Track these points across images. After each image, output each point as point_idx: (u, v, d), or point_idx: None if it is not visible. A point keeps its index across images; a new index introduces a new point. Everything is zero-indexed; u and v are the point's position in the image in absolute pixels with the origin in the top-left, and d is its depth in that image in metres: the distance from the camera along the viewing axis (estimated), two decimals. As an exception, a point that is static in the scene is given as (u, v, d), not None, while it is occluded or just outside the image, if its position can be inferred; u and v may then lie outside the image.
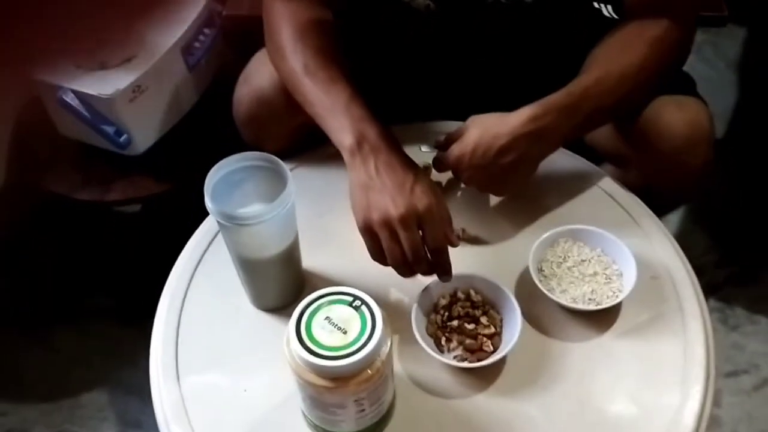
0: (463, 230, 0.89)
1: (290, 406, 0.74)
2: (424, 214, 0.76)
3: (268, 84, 0.94)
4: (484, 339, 0.78)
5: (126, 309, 1.41)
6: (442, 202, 0.79)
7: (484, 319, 0.79)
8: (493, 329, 0.79)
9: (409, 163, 0.81)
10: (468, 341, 0.78)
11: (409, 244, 0.76)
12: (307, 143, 0.99)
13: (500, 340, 0.78)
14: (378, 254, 0.79)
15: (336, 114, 0.82)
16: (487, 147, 0.82)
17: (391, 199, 0.76)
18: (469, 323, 0.79)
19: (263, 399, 0.77)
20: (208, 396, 0.78)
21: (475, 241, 0.89)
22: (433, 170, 0.90)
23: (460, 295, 0.82)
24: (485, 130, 0.83)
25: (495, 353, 0.76)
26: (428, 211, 0.76)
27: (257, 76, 0.96)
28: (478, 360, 0.76)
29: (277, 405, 0.76)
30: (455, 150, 0.85)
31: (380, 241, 0.77)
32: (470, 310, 0.80)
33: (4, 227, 1.38)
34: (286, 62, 0.89)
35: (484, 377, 0.77)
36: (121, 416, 1.26)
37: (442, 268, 0.79)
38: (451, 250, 0.79)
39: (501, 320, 0.80)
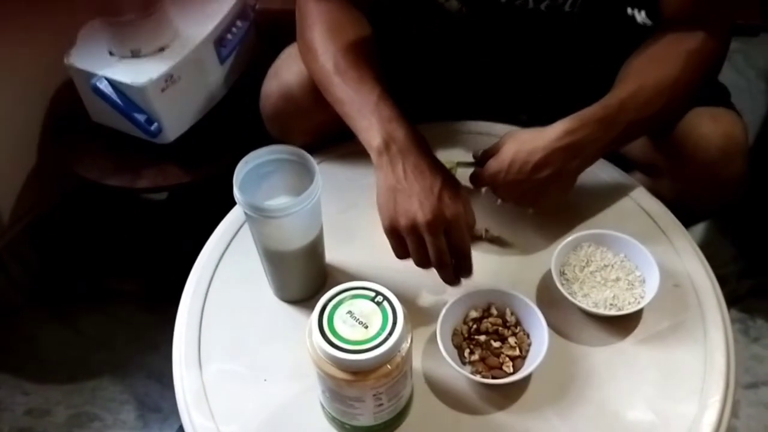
0: (486, 230, 0.89)
1: (309, 397, 0.75)
2: (451, 220, 0.77)
3: (295, 80, 0.95)
4: (507, 359, 0.77)
5: (150, 295, 1.43)
6: (469, 208, 0.79)
7: (512, 340, 0.78)
8: (518, 352, 0.78)
9: (437, 166, 0.81)
10: (490, 358, 0.77)
11: (434, 249, 0.77)
12: (332, 140, 0.99)
13: (522, 363, 0.77)
14: (403, 254, 0.80)
15: (365, 114, 0.82)
16: (523, 162, 0.81)
17: (419, 204, 0.76)
18: (495, 341, 0.79)
19: (283, 389, 0.78)
20: (228, 384, 0.79)
21: (498, 241, 0.89)
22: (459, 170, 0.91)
23: (494, 311, 0.80)
24: (521, 145, 0.82)
25: (512, 375, 0.76)
26: (455, 218, 0.77)
27: (286, 72, 0.97)
28: (493, 377, 0.76)
29: (296, 396, 0.77)
30: (491, 166, 0.85)
31: (406, 243, 0.78)
32: (500, 328, 0.79)
33: (35, 209, 1.41)
34: (317, 61, 0.89)
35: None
36: (142, 400, 1.28)
37: (465, 271, 0.80)
38: (476, 249, 0.80)
39: (529, 345, 0.79)
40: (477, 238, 0.87)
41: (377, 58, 0.90)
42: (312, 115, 0.95)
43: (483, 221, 0.89)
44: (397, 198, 0.78)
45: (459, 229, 0.77)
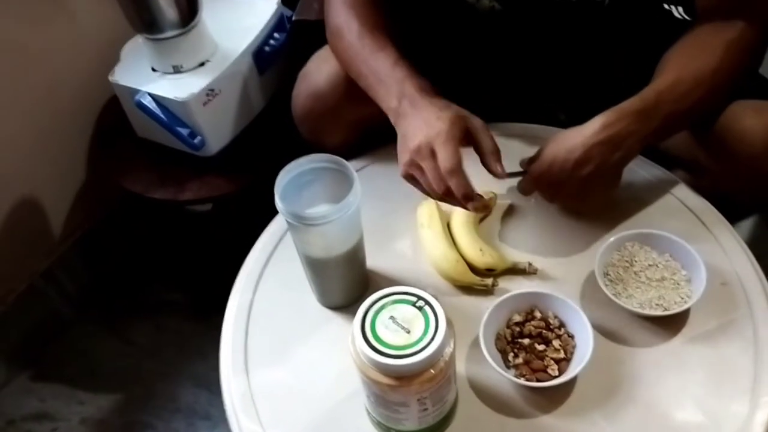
0: (530, 264, 0.86)
1: (354, 402, 0.75)
2: (434, 139, 0.78)
3: (324, 80, 0.97)
4: (551, 362, 0.76)
5: (196, 304, 1.46)
6: (455, 127, 0.79)
7: (556, 343, 0.78)
8: (562, 355, 0.77)
9: (442, 105, 0.82)
10: (535, 361, 0.77)
11: (430, 173, 0.79)
12: (365, 140, 1.01)
13: (567, 366, 0.76)
14: (424, 192, 0.83)
15: (382, 80, 0.85)
16: (563, 161, 0.81)
17: (413, 136, 0.80)
18: (539, 344, 0.78)
19: (328, 395, 0.79)
20: (275, 390, 0.80)
21: (541, 273, 0.87)
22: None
23: (537, 314, 0.80)
24: (560, 144, 0.82)
25: (557, 378, 0.75)
26: (438, 135, 0.78)
27: (315, 73, 0.99)
28: (538, 380, 0.75)
29: (342, 401, 0.78)
30: (534, 170, 0.85)
31: (421, 184, 0.81)
32: (544, 331, 0.79)
33: (84, 224, 1.45)
34: (342, 40, 0.92)
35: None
36: (191, 408, 1.30)
37: (460, 193, 0.78)
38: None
39: (574, 347, 0.78)
40: (521, 272, 0.87)
41: (397, 39, 0.91)
42: (341, 114, 0.98)
43: (526, 241, 0.89)
44: (402, 146, 0.81)
45: (439, 145, 0.78)
